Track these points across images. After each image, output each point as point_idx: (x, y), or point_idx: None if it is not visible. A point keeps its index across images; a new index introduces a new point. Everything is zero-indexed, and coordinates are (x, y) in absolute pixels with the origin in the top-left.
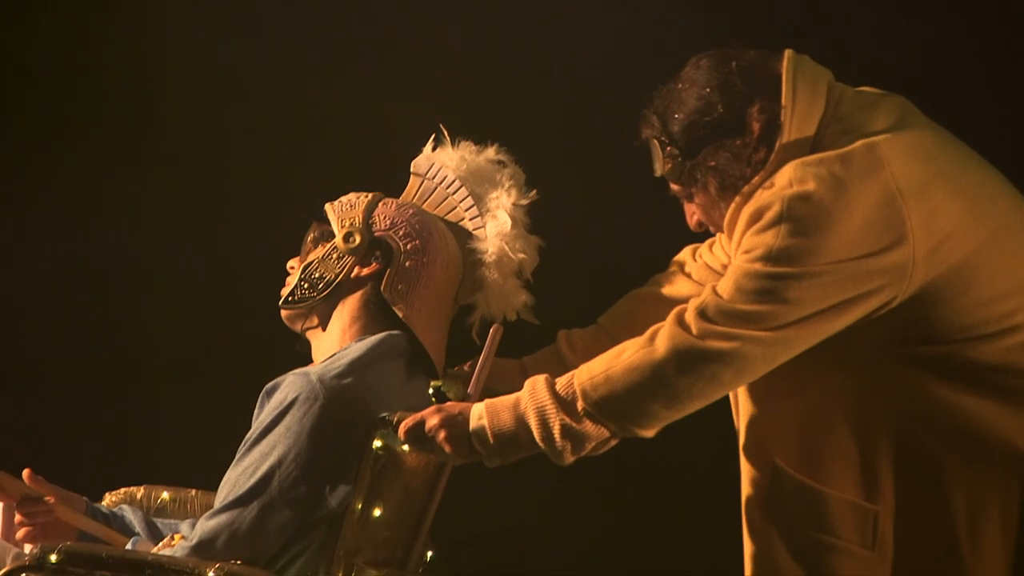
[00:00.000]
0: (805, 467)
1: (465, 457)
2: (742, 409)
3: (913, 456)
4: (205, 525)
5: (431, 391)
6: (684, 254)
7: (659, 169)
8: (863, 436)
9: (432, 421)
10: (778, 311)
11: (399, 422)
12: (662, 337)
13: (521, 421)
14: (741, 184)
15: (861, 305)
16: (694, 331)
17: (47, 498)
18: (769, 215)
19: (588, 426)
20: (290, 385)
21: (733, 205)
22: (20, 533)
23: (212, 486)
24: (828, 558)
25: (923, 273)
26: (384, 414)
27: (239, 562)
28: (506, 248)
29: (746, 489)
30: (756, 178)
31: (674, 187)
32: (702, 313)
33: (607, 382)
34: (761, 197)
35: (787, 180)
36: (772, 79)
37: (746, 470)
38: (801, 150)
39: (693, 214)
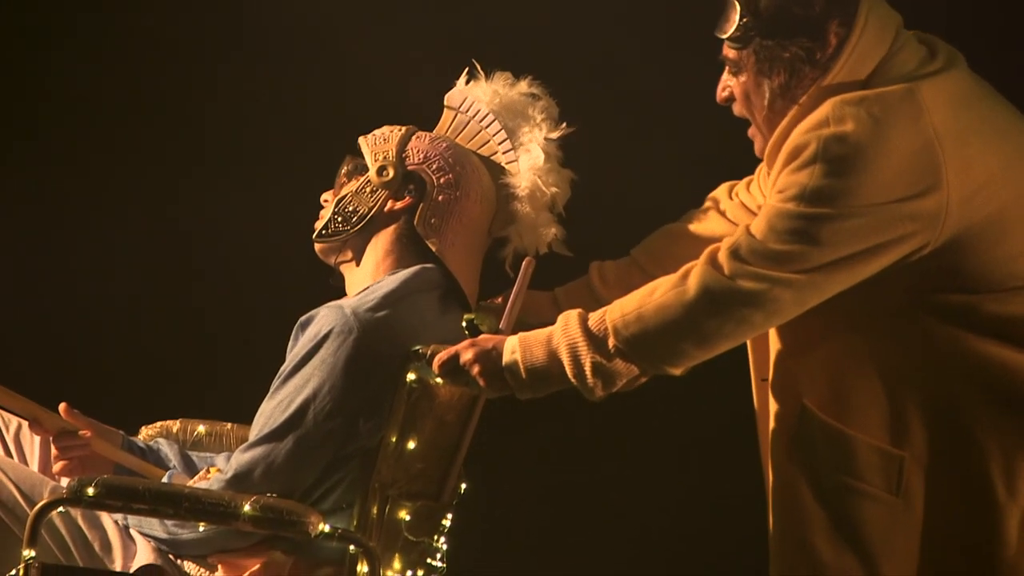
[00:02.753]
0: (833, 410)
1: (498, 391)
2: (772, 350)
3: (943, 405)
4: (240, 458)
5: (464, 324)
6: (720, 191)
7: (726, 31)
8: (892, 383)
9: (466, 355)
10: (810, 252)
11: (433, 355)
12: (694, 276)
13: (553, 357)
14: (800, 94)
15: (892, 250)
16: (726, 271)
17: (83, 432)
18: (805, 154)
19: (619, 364)
20: (324, 318)
21: (786, 120)
22: (57, 467)
23: (247, 419)
24: (852, 501)
25: (956, 221)
26: (418, 347)
27: (274, 495)
28: (539, 182)
29: (773, 429)
30: (796, 107)
31: (728, 54)
32: (735, 253)
33: (639, 320)
34: (798, 135)
35: (825, 118)
36: (856, 6)
37: (774, 410)
38: (850, 88)
39: (726, 88)
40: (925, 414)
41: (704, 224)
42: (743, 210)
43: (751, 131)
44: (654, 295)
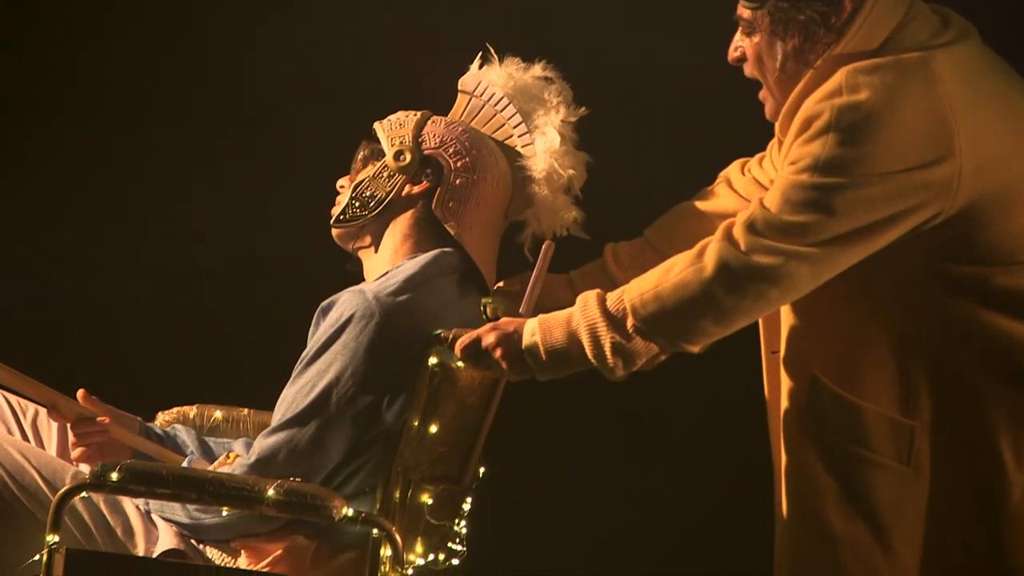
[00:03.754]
0: (844, 381)
1: (520, 374)
2: (783, 322)
3: (953, 376)
4: (263, 443)
5: (481, 307)
6: (732, 168)
7: None
8: (902, 354)
9: (488, 339)
10: (824, 222)
11: (455, 339)
12: (710, 253)
13: (573, 338)
14: (813, 58)
15: (906, 220)
16: (742, 246)
17: (101, 418)
18: (818, 124)
19: (638, 343)
20: (346, 303)
21: (799, 87)
22: (75, 453)
23: (264, 405)
24: (863, 471)
25: (968, 191)
26: (439, 331)
27: (298, 479)
28: (555, 165)
29: (784, 401)
30: (808, 72)
31: (743, 13)
32: (750, 227)
33: (656, 299)
34: (811, 105)
35: (838, 87)
36: None
37: (785, 382)
38: (862, 56)
39: (738, 48)
40: (935, 384)
41: (717, 201)
42: (756, 185)
43: (762, 94)
44: (671, 273)
